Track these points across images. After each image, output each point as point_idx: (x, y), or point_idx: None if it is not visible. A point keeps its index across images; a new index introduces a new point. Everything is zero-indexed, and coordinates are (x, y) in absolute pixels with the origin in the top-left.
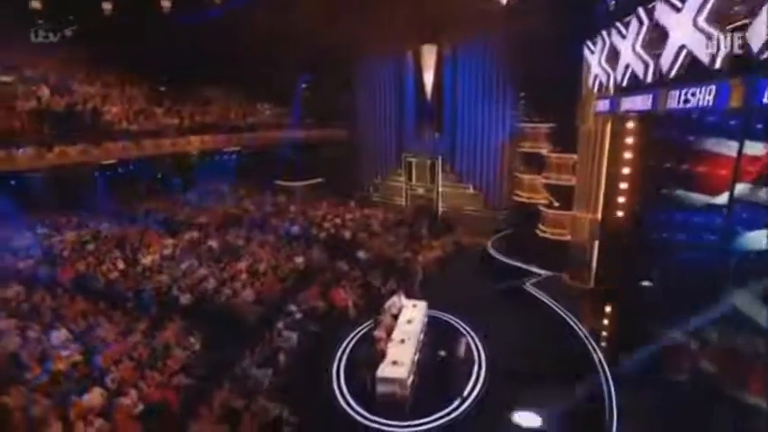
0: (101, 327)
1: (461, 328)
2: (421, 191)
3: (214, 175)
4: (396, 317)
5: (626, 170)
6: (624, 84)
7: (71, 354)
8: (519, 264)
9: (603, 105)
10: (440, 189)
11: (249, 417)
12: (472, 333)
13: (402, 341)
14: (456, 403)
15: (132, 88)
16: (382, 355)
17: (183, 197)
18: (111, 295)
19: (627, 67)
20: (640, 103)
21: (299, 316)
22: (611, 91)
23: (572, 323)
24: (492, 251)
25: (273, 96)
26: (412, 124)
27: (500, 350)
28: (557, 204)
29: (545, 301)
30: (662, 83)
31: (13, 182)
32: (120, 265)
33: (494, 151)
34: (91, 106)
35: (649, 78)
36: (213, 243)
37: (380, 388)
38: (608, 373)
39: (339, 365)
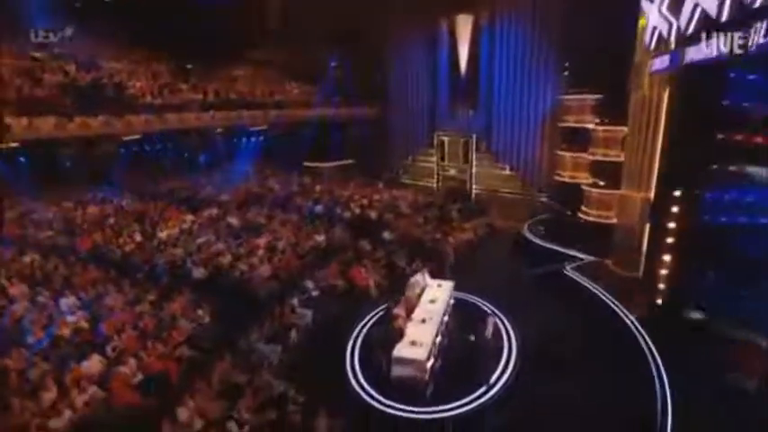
0: (109, 295)
1: (491, 312)
2: (453, 172)
3: (240, 156)
4: (419, 296)
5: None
6: (690, 30)
7: (77, 320)
8: (558, 248)
9: (662, 62)
10: (473, 170)
11: (251, 392)
12: (503, 317)
13: (423, 321)
14: (481, 390)
15: (159, 65)
16: (400, 335)
17: (207, 177)
18: (125, 266)
19: (695, 7)
20: (712, 48)
21: (315, 293)
22: (673, 45)
23: (618, 310)
24: (528, 234)
25: (302, 75)
26: (445, 101)
27: (534, 336)
28: (602, 183)
29: (587, 286)
30: (744, 17)
31: (41, 157)
32: (138, 238)
33: (533, 128)
34: (116, 81)
35: (726, 15)
36: (233, 220)
37: (396, 369)
38: (660, 367)
39: (354, 345)
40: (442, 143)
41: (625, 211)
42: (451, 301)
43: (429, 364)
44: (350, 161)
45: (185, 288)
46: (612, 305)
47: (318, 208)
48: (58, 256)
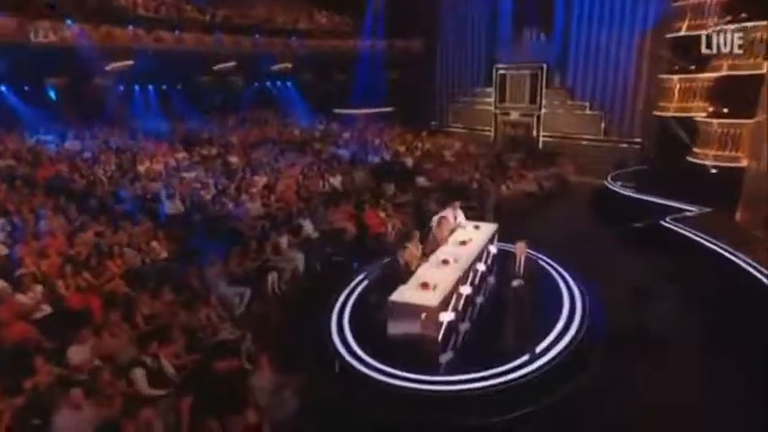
0: (48, 220)
1: (553, 268)
2: (515, 115)
3: (261, 102)
4: (447, 237)
5: None
6: None
7: None
8: (655, 199)
9: None
10: (542, 111)
11: (180, 333)
12: (566, 274)
13: (444, 262)
14: (522, 359)
15: None
16: (406, 274)
17: (219, 120)
18: (82, 196)
19: None
20: None
21: (315, 236)
22: None
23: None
24: (612, 186)
25: (334, 3)
26: (508, 26)
27: (614, 301)
28: (727, 111)
29: (698, 241)
30: None
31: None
32: (110, 171)
33: (625, 50)
34: None
35: None
36: (233, 159)
37: (394, 322)
38: None
39: (348, 297)
40: (503, 79)
41: (763, 146)
42: (493, 249)
43: (445, 318)
44: (389, 109)
45: (147, 220)
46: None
47: (342, 152)
48: (7, 182)
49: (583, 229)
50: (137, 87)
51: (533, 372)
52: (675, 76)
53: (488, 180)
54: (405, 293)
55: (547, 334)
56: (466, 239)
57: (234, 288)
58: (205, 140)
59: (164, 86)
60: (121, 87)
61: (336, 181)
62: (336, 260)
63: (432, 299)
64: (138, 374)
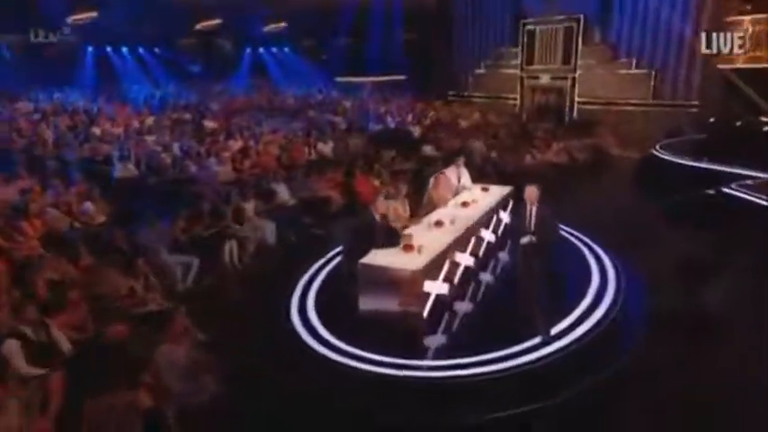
0: None
1: (579, 240)
2: (545, 79)
3: (255, 70)
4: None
5: None
6: None
7: None
8: (715, 167)
9: None
10: (577, 73)
11: (83, 301)
12: (596, 247)
13: (437, 223)
14: (531, 343)
15: None
16: (386, 233)
17: (204, 87)
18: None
19: None
20: None
21: (291, 203)
22: None
23: None
24: (662, 154)
25: None
26: None
27: (661, 278)
28: None
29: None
30: None
31: None
32: (60, 133)
33: None
34: None
35: None
36: (210, 123)
37: (366, 293)
38: None
39: (322, 268)
40: (531, 37)
41: None
42: (507, 218)
43: (433, 289)
44: (400, 77)
45: (91, 182)
46: None
47: (338, 119)
48: None
49: (624, 203)
50: (109, 49)
51: (544, 358)
52: (747, 17)
53: (511, 154)
54: (379, 256)
55: (568, 312)
56: (470, 201)
57: (177, 257)
58: (181, 106)
59: (140, 50)
60: (90, 49)
61: (326, 148)
62: (316, 233)
63: (414, 262)
64: (12, 348)
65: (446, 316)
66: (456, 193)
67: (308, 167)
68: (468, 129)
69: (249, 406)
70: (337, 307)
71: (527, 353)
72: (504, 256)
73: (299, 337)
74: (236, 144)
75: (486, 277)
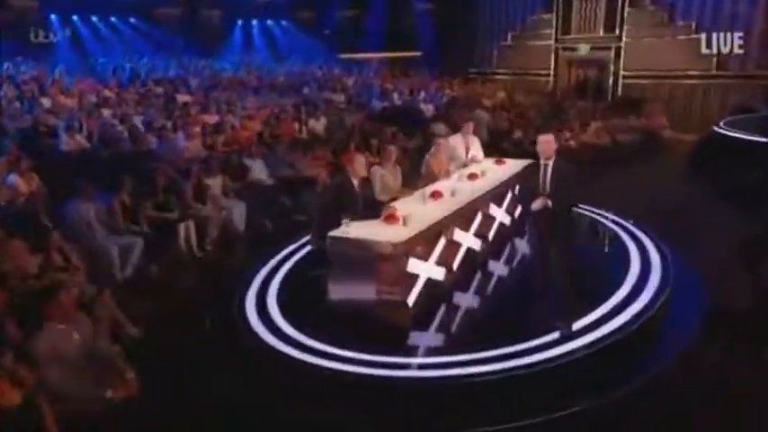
0: None
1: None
2: (584, 50)
3: (248, 46)
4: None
5: None
6: None
7: None
8: None
9: None
10: (623, 42)
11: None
12: (636, 230)
13: (434, 195)
14: (546, 339)
15: None
16: (367, 203)
17: (186, 61)
18: None
19: None
20: None
21: (268, 183)
22: None
23: None
24: (727, 131)
25: None
26: None
27: (717, 269)
28: None
29: None
30: None
31: None
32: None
33: None
34: None
35: None
36: (184, 97)
37: (337, 276)
38: None
39: (294, 253)
40: (568, 0)
41: None
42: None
43: (422, 271)
44: (413, 53)
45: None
46: None
47: (336, 96)
48: None
49: (676, 188)
50: (75, 18)
51: (563, 357)
52: None
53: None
54: (353, 227)
55: (597, 303)
56: (477, 173)
57: (115, 238)
58: (153, 80)
59: (112, 18)
60: (53, 17)
61: (318, 125)
62: (299, 219)
63: (397, 234)
64: None
65: (442, 309)
66: (463, 165)
67: (291, 143)
68: (491, 108)
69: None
70: (305, 297)
71: (540, 350)
72: (523, 244)
73: (253, 333)
74: (211, 118)
75: (497, 268)
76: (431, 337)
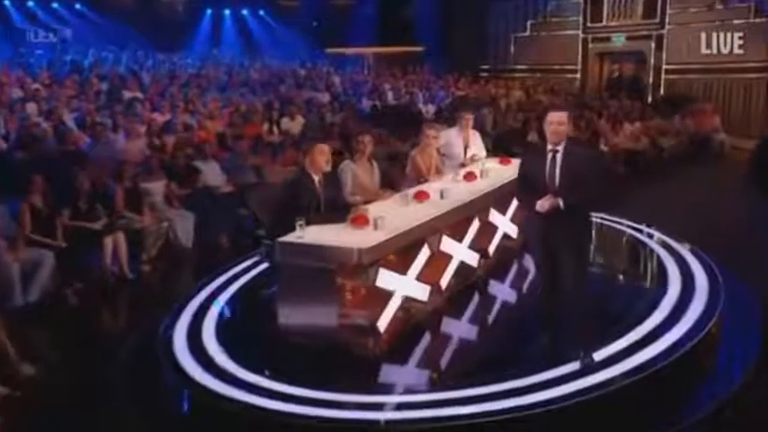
0: None
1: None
2: (618, 40)
3: (217, 38)
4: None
5: None
6: None
7: None
8: None
9: None
10: (666, 28)
11: None
12: (678, 247)
13: (418, 196)
14: (561, 371)
15: None
16: (330, 203)
17: (143, 55)
18: None
19: None
20: None
21: (225, 190)
22: None
23: None
24: None
25: None
26: None
27: None
28: None
29: None
30: None
31: None
32: None
33: None
34: None
35: None
36: (132, 94)
37: (287, 295)
38: None
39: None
40: None
41: None
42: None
43: (397, 288)
44: (415, 47)
45: None
46: None
47: (319, 95)
48: None
49: (730, 203)
50: (6, 2)
51: (579, 394)
52: None
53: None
54: (309, 231)
55: (624, 329)
56: (476, 172)
57: (18, 252)
58: (97, 75)
59: (53, 5)
60: None
61: (294, 125)
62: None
63: (365, 239)
64: None
65: (426, 338)
66: (461, 166)
67: (255, 144)
68: (504, 109)
69: None
70: (253, 323)
71: (552, 385)
72: (530, 265)
73: (181, 371)
74: (161, 118)
75: (501, 290)
76: (409, 372)
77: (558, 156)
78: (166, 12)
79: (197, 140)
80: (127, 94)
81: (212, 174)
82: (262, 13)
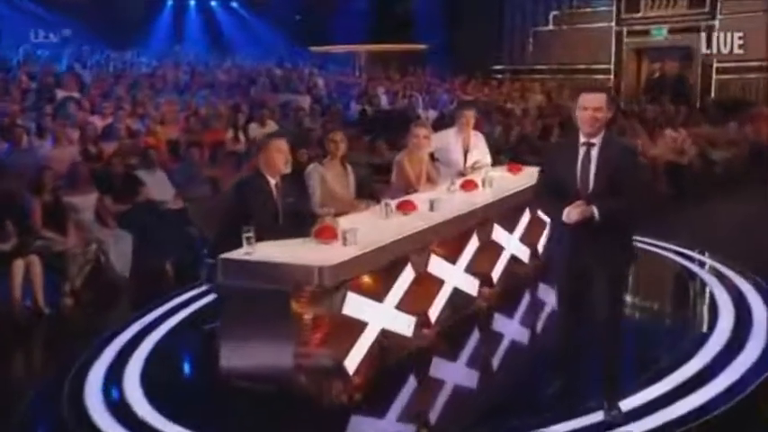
0: None
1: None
2: (659, 35)
3: (180, 33)
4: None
5: None
6: None
7: None
8: None
9: None
10: (717, 19)
11: None
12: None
13: (402, 206)
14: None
15: None
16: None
17: (89, 52)
18: None
19: None
20: None
21: (174, 206)
22: None
23: None
24: None
25: None
26: None
27: None
28: None
29: None
30: None
31: None
32: None
33: None
34: None
35: None
36: (68, 93)
37: (232, 328)
38: None
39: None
40: None
41: None
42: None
43: (370, 318)
44: (418, 45)
45: None
46: None
47: (296, 98)
48: None
49: None
50: None
51: None
52: None
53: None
54: (260, 247)
55: (660, 374)
56: (476, 181)
57: None
58: (26, 72)
59: None
60: None
61: (264, 132)
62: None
63: (329, 256)
64: None
65: (409, 383)
66: (460, 174)
67: (214, 152)
68: (521, 115)
69: None
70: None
71: None
72: (545, 294)
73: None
74: (101, 121)
75: (507, 326)
76: (387, 427)
77: (594, 151)
78: (120, 2)
79: (144, 149)
80: (60, 94)
81: (158, 186)
82: (234, 4)
